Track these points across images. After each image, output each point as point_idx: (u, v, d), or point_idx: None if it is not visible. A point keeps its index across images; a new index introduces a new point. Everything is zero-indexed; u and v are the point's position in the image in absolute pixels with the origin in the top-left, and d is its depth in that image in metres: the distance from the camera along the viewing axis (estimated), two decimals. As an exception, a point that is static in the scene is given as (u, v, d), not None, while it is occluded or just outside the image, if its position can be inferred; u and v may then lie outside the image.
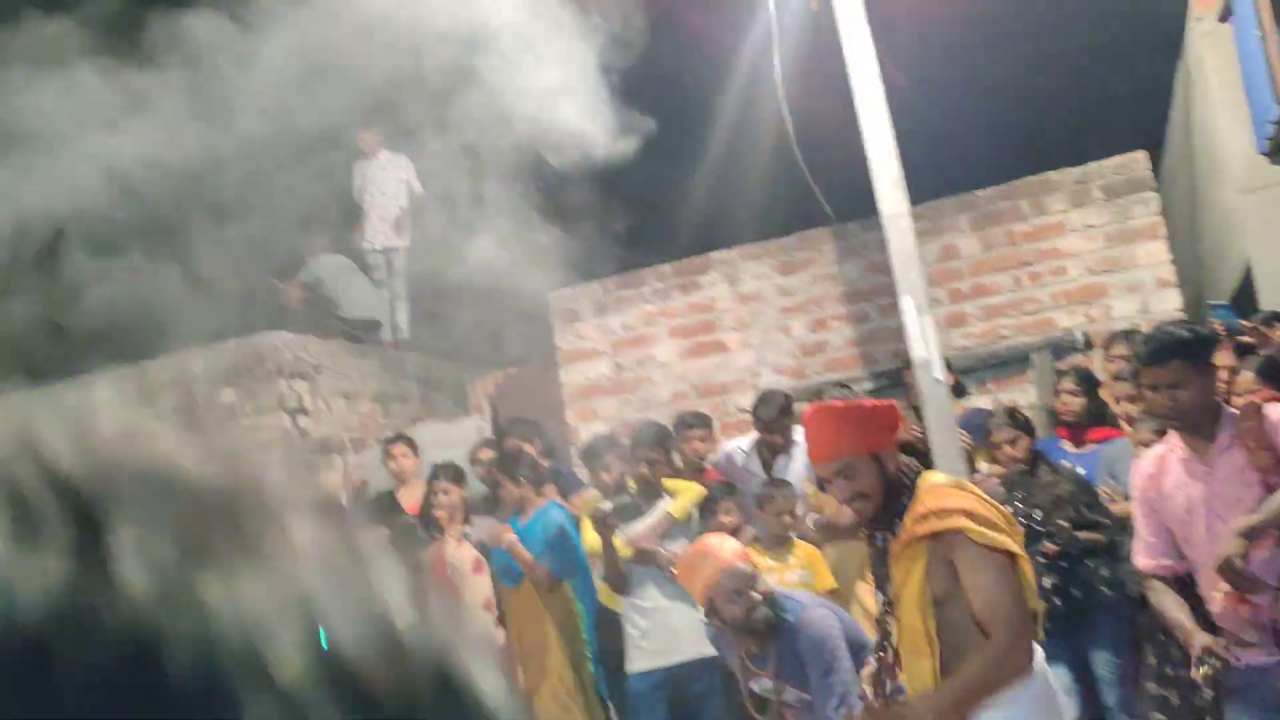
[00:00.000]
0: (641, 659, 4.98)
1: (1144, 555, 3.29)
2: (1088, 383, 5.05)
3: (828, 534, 5.01)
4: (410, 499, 6.36)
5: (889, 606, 2.77)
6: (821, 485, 4.82)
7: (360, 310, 8.72)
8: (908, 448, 5.32)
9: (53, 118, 6.58)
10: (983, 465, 5.09)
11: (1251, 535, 2.90)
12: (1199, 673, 2.97)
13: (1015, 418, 4.83)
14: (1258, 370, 4.38)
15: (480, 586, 5.49)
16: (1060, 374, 5.49)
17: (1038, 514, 4.60)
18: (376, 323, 8.80)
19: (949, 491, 2.80)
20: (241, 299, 8.17)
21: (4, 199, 6.57)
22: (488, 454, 6.54)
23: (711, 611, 3.40)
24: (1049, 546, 4.48)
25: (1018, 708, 2.67)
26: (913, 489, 2.82)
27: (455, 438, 7.63)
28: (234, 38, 6.75)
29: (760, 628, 3.28)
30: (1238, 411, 3.18)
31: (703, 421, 5.79)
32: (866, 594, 4.30)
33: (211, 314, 7.86)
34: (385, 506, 6.35)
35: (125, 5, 6.98)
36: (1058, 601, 4.45)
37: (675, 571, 3.50)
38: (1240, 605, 2.93)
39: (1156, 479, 3.24)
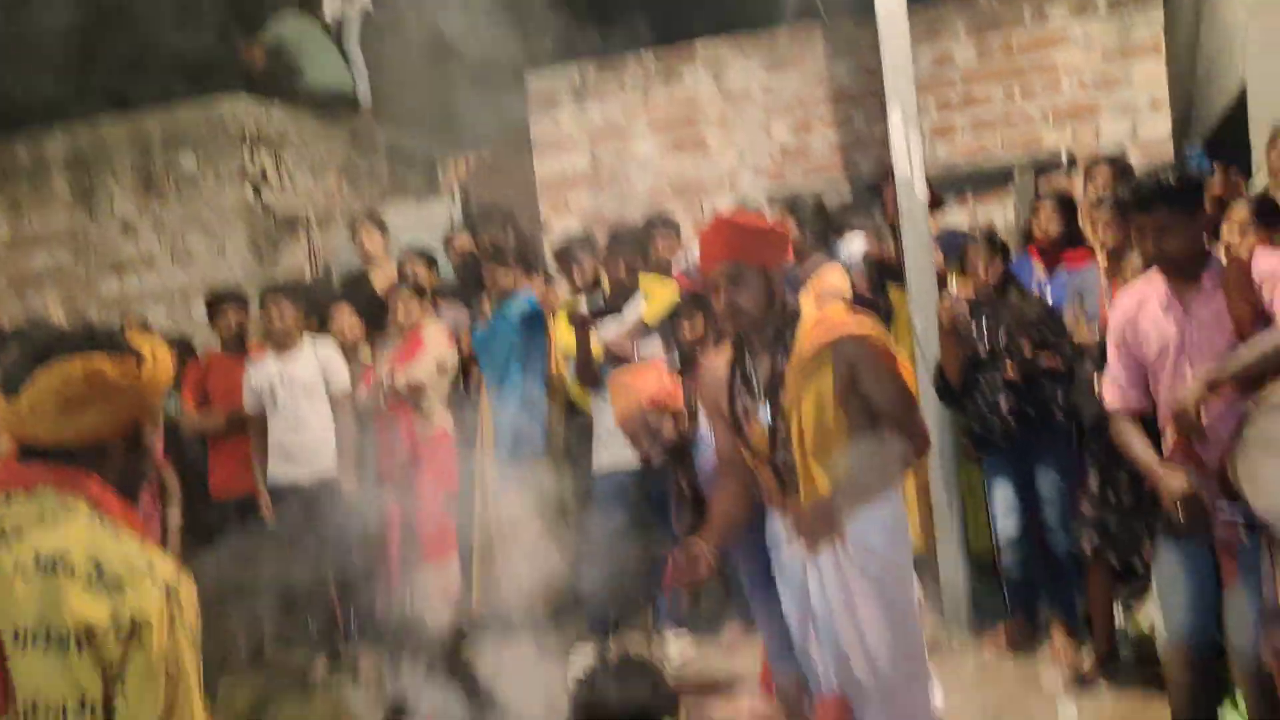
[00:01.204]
0: (608, 457, 5.10)
1: (1113, 393, 3.30)
2: (1066, 208, 5.01)
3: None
4: (382, 281, 6.31)
5: (779, 426, 2.89)
6: (702, 310, 4.83)
7: (327, 78, 8.32)
8: (883, 265, 5.36)
9: None
10: (954, 284, 5.10)
11: (1214, 386, 2.93)
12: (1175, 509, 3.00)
13: (992, 240, 4.81)
14: (1253, 208, 4.33)
15: (449, 357, 5.56)
16: (1040, 196, 5.43)
17: (1002, 336, 4.65)
18: (346, 95, 8.43)
19: (843, 309, 3.01)
20: (201, 61, 7.80)
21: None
22: (464, 242, 6.48)
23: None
24: (1009, 367, 4.55)
25: (881, 522, 2.88)
26: (796, 319, 2.95)
27: (425, 219, 7.53)
28: None
29: (658, 467, 3.40)
30: (1223, 259, 3.15)
31: (671, 225, 5.73)
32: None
33: (168, 75, 7.54)
34: (356, 286, 6.30)
35: None
36: (1012, 422, 4.57)
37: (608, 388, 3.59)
38: (1188, 452, 3.00)
39: (1134, 318, 3.23)
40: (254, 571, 5.62)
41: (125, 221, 7.64)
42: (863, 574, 2.84)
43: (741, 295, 2.89)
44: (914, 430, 2.87)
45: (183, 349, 6.40)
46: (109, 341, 1.85)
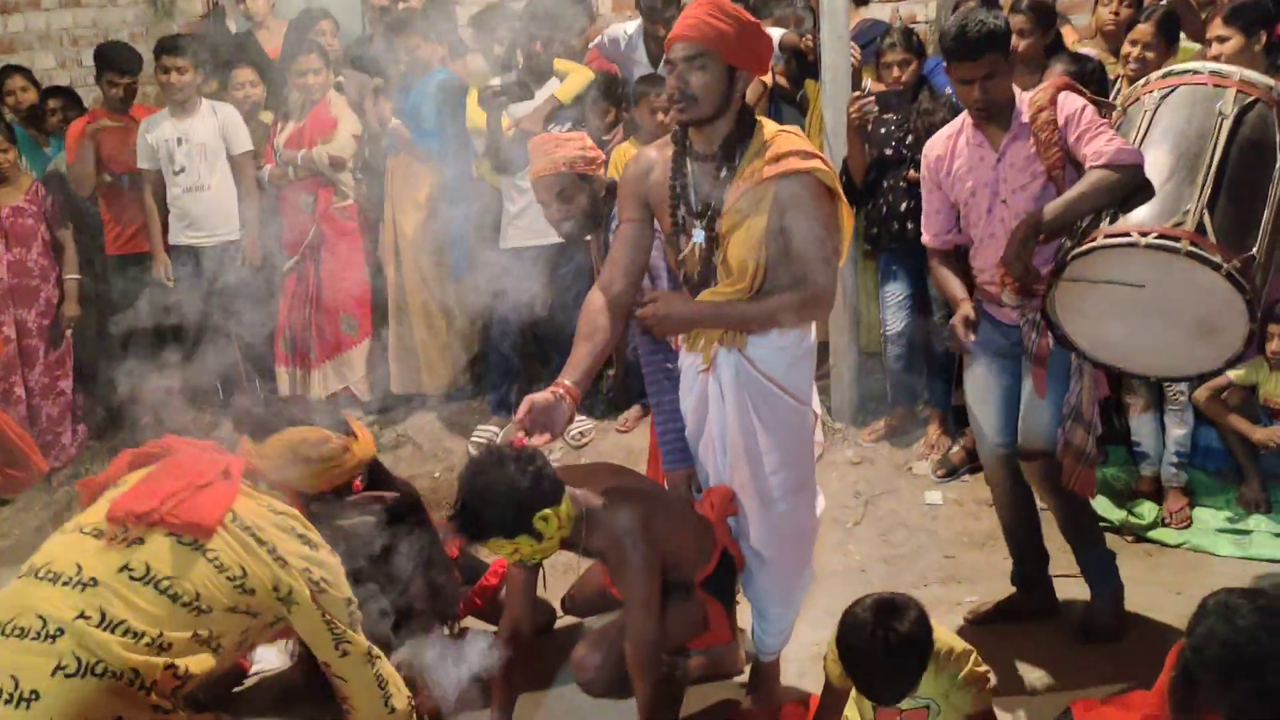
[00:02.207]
0: (516, 236, 5.13)
1: (928, 231, 3.51)
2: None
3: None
4: (271, 42, 6.01)
5: (711, 249, 2.83)
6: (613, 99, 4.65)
7: None
8: (798, 55, 5.30)
9: None
10: (868, 81, 5.10)
11: (1038, 233, 3.11)
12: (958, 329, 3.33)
13: (909, 40, 4.78)
14: (1158, 22, 4.38)
15: (356, 124, 5.45)
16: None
17: (909, 139, 4.71)
18: None
19: (801, 139, 2.84)
20: None
21: None
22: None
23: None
24: (912, 172, 4.64)
25: (783, 352, 2.89)
26: (751, 128, 2.82)
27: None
28: None
29: (567, 237, 3.36)
30: (1029, 99, 3.26)
31: (582, 5, 5.55)
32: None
33: None
34: (246, 49, 5.99)
35: None
36: (910, 225, 4.70)
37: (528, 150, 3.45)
38: (1014, 289, 3.23)
39: (945, 160, 3.40)
40: (160, 329, 5.63)
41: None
42: (758, 395, 2.90)
43: (695, 80, 2.72)
44: (817, 288, 2.75)
45: (69, 101, 6.11)
46: (338, 422, 2.60)
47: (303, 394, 5.61)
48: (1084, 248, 2.98)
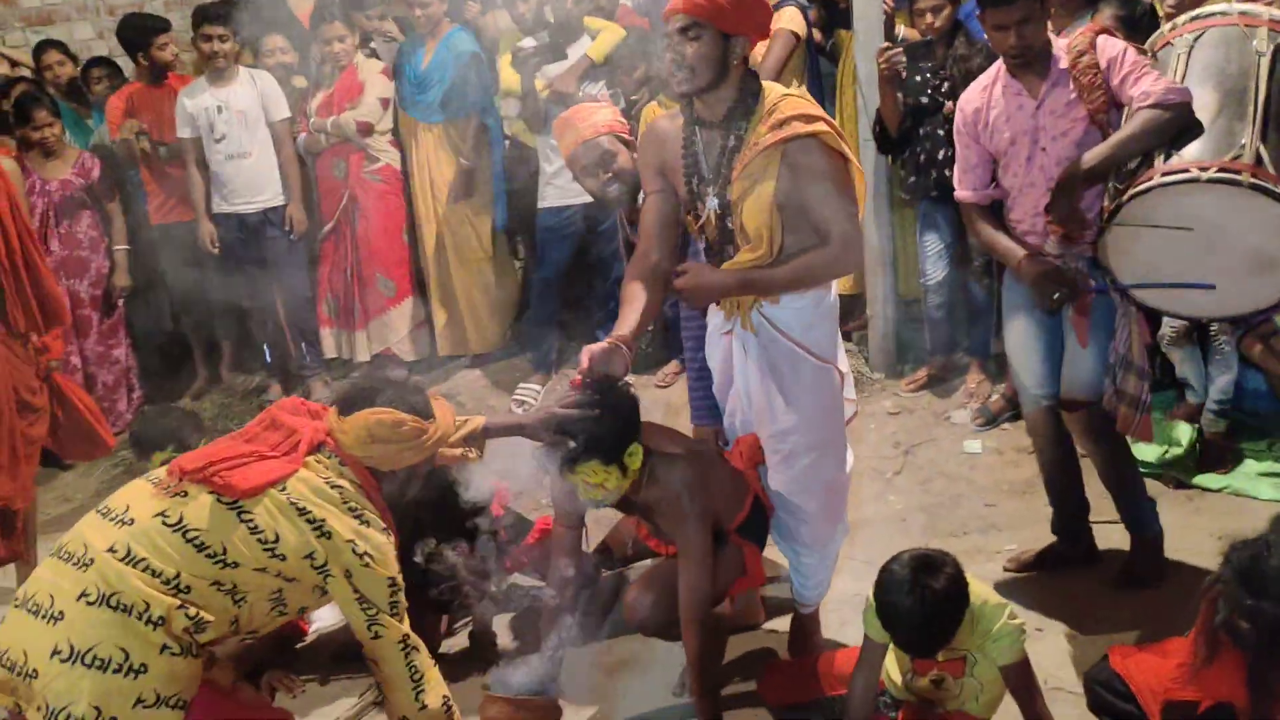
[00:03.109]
0: (554, 195, 5.16)
1: (965, 186, 3.46)
2: None
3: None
4: (302, 7, 6.02)
5: (725, 217, 2.88)
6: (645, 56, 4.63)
7: None
8: (829, 4, 5.24)
9: None
10: (902, 29, 5.04)
11: (1087, 177, 3.09)
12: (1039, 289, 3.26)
13: (944, -14, 4.71)
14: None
15: (383, 88, 5.47)
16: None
17: (945, 86, 4.67)
18: None
19: (805, 102, 2.85)
20: None
21: None
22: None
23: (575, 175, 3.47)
24: (950, 107, 4.58)
25: (801, 313, 2.93)
26: (755, 94, 2.84)
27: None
28: None
29: (612, 201, 3.38)
30: (1066, 45, 3.23)
31: None
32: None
33: None
34: (277, 14, 6.02)
35: None
36: (947, 173, 4.67)
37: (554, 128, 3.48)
38: (1061, 236, 3.21)
39: (983, 111, 3.37)
40: (206, 297, 5.76)
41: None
42: (780, 355, 2.96)
43: (690, 51, 2.75)
44: (843, 244, 2.79)
45: (114, 71, 6.20)
46: (419, 402, 2.60)
47: (349, 356, 5.73)
48: (1141, 186, 2.94)
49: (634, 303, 2.92)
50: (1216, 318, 3.80)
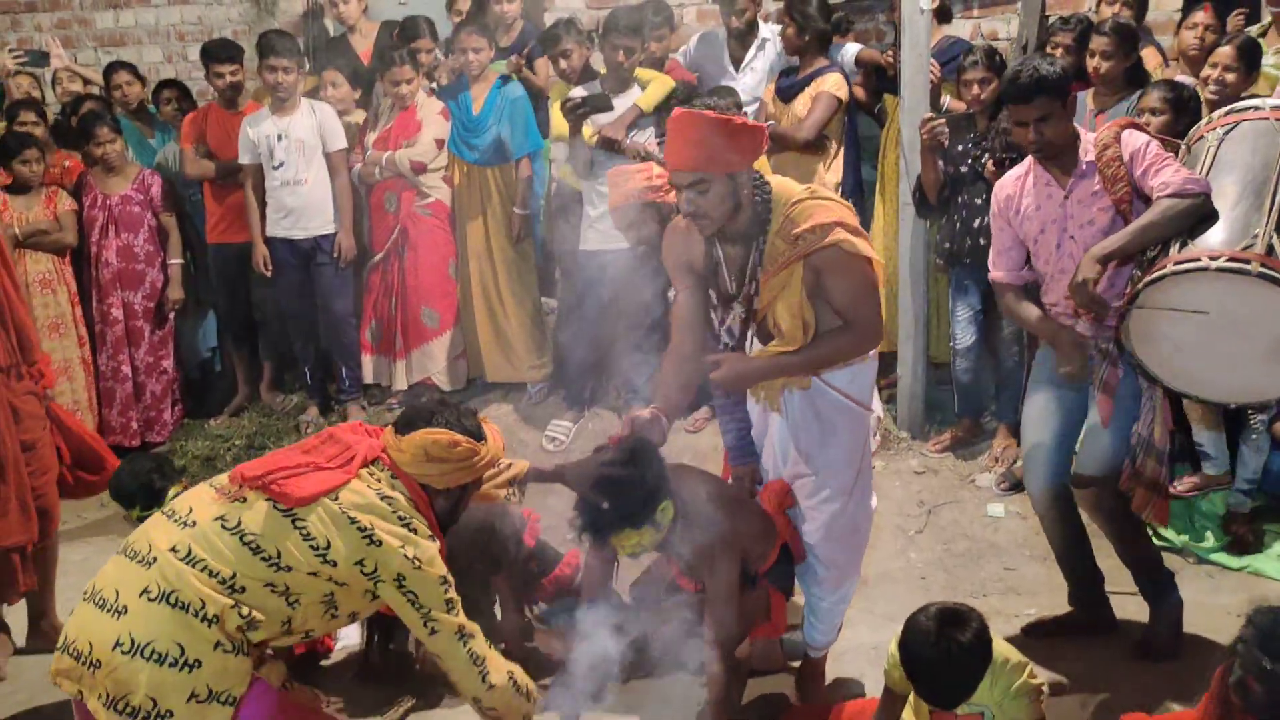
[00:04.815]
0: (595, 240, 5.28)
1: (999, 268, 3.59)
2: (1081, 39, 4.90)
3: (778, 144, 5.18)
4: (363, 45, 6.23)
5: (750, 322, 3.07)
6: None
7: None
8: (878, 70, 5.39)
9: None
10: (947, 98, 5.17)
11: (1105, 262, 3.21)
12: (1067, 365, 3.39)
13: (991, 59, 4.83)
14: (1239, 46, 4.42)
15: (440, 128, 5.63)
16: (1052, 21, 5.35)
17: (985, 158, 4.77)
18: None
19: (820, 207, 2.96)
20: None
21: None
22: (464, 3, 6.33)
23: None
24: (990, 169, 4.66)
25: (861, 377, 3.13)
26: (767, 206, 2.98)
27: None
28: None
29: (648, 259, 3.59)
30: (1091, 141, 3.36)
31: (665, 11, 5.69)
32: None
33: None
34: (336, 52, 6.22)
35: None
36: (982, 240, 4.76)
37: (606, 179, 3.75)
38: (1087, 317, 3.34)
39: (1015, 199, 3.50)
40: (253, 317, 5.91)
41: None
42: (823, 401, 3.11)
43: (704, 201, 2.90)
44: (866, 330, 3.00)
45: (183, 94, 6.41)
46: (472, 425, 2.72)
47: (388, 383, 5.85)
48: (1154, 274, 3.05)
49: (672, 383, 3.16)
50: (1244, 405, 3.86)
